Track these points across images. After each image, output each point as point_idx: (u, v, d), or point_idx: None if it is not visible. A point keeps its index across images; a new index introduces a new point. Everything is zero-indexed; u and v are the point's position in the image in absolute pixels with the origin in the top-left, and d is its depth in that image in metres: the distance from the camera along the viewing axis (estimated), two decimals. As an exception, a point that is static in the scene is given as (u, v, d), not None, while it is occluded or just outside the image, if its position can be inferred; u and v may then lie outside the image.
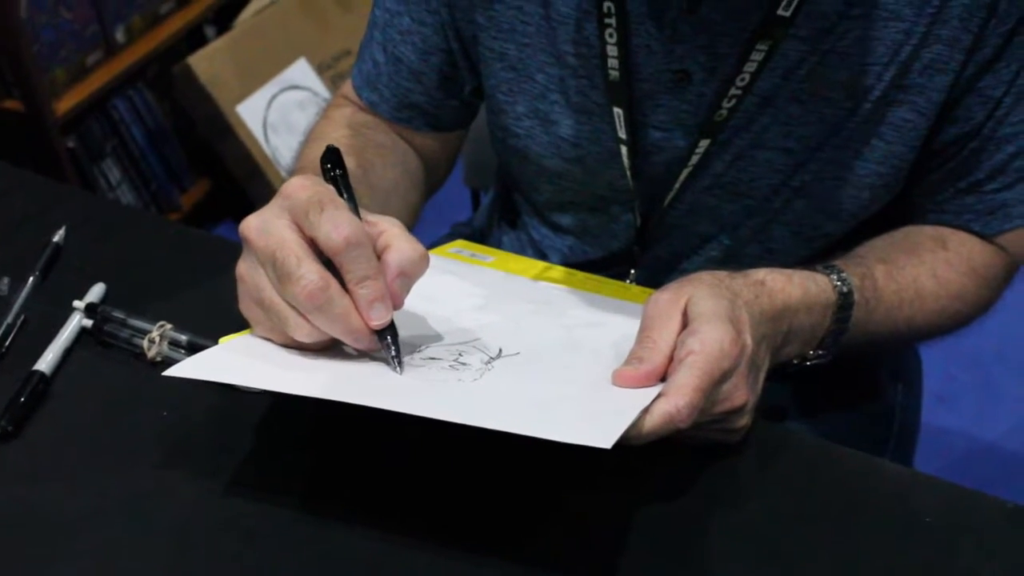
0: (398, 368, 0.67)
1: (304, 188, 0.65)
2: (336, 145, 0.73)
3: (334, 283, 0.64)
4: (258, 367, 0.67)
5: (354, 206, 0.69)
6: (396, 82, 0.96)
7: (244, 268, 0.67)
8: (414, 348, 0.70)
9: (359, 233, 0.64)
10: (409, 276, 0.66)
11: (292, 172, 0.89)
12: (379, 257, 0.66)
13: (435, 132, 1.00)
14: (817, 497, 0.70)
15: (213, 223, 2.37)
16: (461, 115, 1.01)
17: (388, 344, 0.66)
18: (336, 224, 0.63)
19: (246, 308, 0.69)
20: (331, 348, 0.69)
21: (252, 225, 0.65)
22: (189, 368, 0.65)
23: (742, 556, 0.66)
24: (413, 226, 0.96)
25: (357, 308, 0.65)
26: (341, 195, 0.68)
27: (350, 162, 0.72)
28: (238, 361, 0.68)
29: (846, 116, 0.84)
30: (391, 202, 0.91)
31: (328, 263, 0.64)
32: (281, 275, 0.64)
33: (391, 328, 0.66)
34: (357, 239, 0.64)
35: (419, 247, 0.67)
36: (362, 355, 0.69)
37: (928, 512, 0.69)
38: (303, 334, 0.65)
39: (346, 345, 0.68)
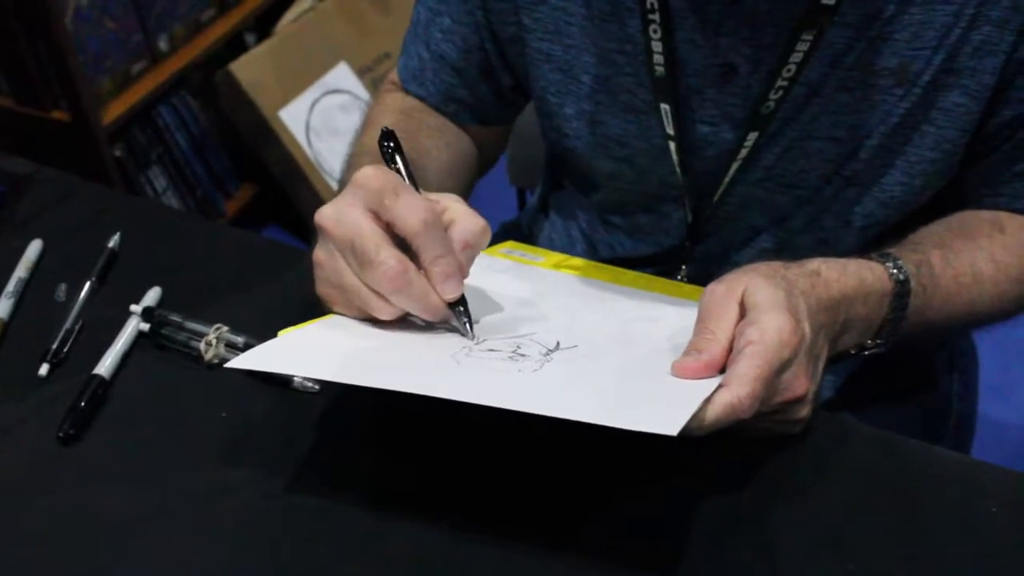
0: (471, 335, 0.70)
1: (376, 177, 0.68)
2: (391, 128, 0.75)
3: (411, 265, 0.67)
4: (319, 358, 0.68)
5: (415, 185, 0.72)
6: (440, 77, 0.98)
7: (322, 255, 0.70)
8: (472, 340, 0.71)
9: (433, 215, 0.67)
10: (474, 248, 0.70)
11: (350, 157, 0.93)
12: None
13: (480, 125, 1.02)
14: (880, 487, 0.70)
15: (258, 228, 2.39)
16: (504, 111, 1.03)
17: (460, 313, 0.70)
18: (412, 208, 0.67)
19: (324, 291, 0.72)
20: (393, 341, 0.70)
21: (327, 214, 0.68)
22: (251, 359, 0.67)
23: (806, 547, 0.66)
24: (468, 199, 0.98)
25: (431, 284, 0.67)
26: (403, 176, 0.71)
27: (404, 147, 0.75)
28: (299, 353, 0.69)
29: (896, 102, 0.83)
30: (446, 183, 0.94)
31: (400, 245, 0.67)
32: (362, 261, 0.67)
33: (462, 299, 0.70)
34: (433, 221, 0.67)
35: (480, 220, 0.70)
36: (424, 346, 0.70)
37: (994, 501, 0.68)
38: (386, 314, 0.69)
39: (409, 329, 0.71)
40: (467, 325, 0.70)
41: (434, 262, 0.67)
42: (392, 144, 0.74)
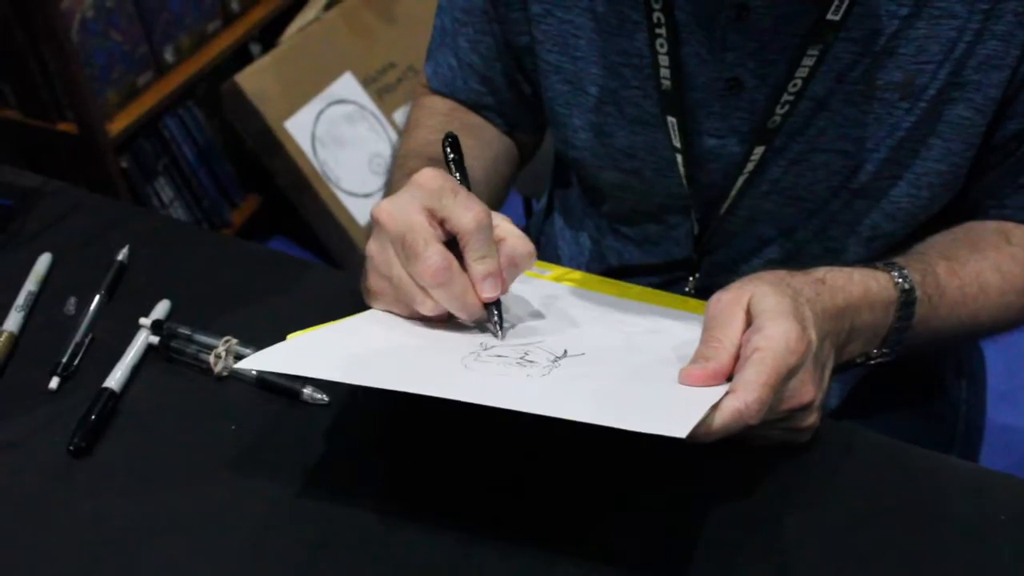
0: (500, 334, 0.73)
1: (435, 178, 0.72)
2: (435, 133, 0.78)
3: (455, 263, 0.70)
4: (328, 360, 0.69)
5: (468, 191, 0.73)
6: (469, 85, 1.00)
7: (375, 247, 0.73)
8: (480, 346, 0.71)
9: (487, 217, 0.71)
10: (517, 267, 0.73)
11: (396, 158, 0.94)
12: None
13: (512, 129, 1.04)
14: (889, 496, 0.70)
15: (264, 238, 2.39)
16: (532, 117, 1.03)
17: (493, 312, 0.73)
18: (469, 207, 0.70)
19: (374, 282, 0.74)
20: (401, 346, 0.71)
21: (384, 208, 0.71)
22: (259, 360, 0.68)
23: (813, 556, 0.66)
24: (507, 196, 1.05)
25: (473, 282, 0.70)
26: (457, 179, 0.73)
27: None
28: (308, 354, 0.70)
29: (902, 116, 0.83)
30: (492, 180, 0.97)
31: (449, 246, 0.70)
32: (409, 255, 0.69)
33: (497, 302, 0.73)
34: (486, 223, 0.70)
35: (529, 244, 0.73)
36: (433, 351, 0.71)
37: (1003, 510, 0.69)
38: (427, 308, 0.72)
39: (418, 335, 0.73)
40: (498, 324, 0.73)
41: (479, 260, 0.70)
42: (452, 147, 0.77)
